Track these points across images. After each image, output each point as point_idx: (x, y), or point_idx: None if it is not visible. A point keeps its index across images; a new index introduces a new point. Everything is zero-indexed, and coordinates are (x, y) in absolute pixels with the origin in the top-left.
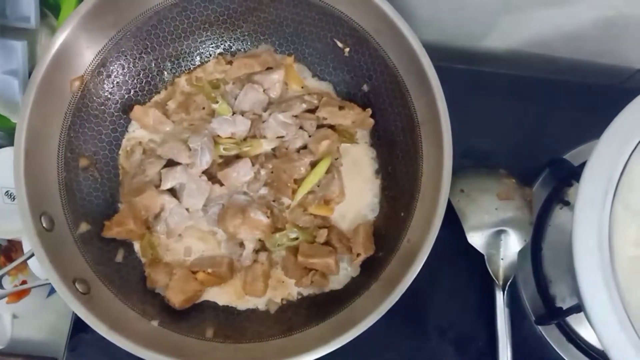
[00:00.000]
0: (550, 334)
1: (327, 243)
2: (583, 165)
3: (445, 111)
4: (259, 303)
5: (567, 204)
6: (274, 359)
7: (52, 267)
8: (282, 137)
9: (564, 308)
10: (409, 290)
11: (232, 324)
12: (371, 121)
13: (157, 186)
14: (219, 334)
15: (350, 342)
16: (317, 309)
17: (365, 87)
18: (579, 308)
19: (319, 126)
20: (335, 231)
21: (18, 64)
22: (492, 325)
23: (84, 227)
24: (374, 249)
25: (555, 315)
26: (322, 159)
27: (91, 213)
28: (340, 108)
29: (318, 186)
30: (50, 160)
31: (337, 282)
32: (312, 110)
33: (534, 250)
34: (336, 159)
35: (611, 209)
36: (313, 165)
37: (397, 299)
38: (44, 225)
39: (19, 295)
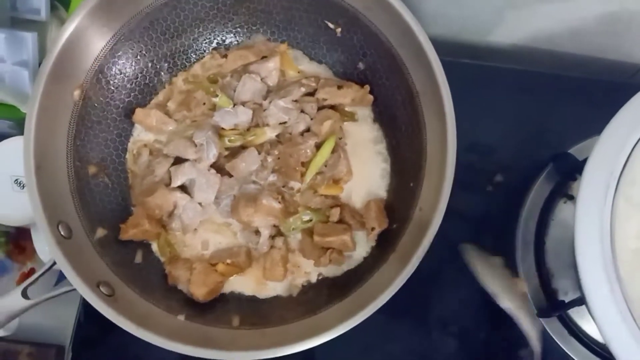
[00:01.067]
0: (552, 327)
1: (340, 221)
2: (587, 159)
3: (444, 79)
4: (280, 289)
5: (570, 198)
6: (298, 339)
7: (75, 273)
8: (285, 122)
9: (566, 301)
10: (411, 283)
11: (257, 311)
12: (370, 97)
13: (168, 184)
14: (245, 321)
15: (353, 333)
16: (338, 287)
17: (360, 65)
18: (580, 301)
19: (320, 108)
20: (348, 209)
21: (28, 55)
22: (494, 318)
23: (100, 232)
24: (388, 222)
25: (557, 308)
26: (327, 139)
27: (106, 218)
28: (339, 87)
29: (325, 167)
30: (60, 171)
31: (354, 259)
32: (311, 94)
33: (537, 244)
34: (340, 139)
35: (613, 202)
36: (318, 146)
37: (414, 268)
38: (62, 233)
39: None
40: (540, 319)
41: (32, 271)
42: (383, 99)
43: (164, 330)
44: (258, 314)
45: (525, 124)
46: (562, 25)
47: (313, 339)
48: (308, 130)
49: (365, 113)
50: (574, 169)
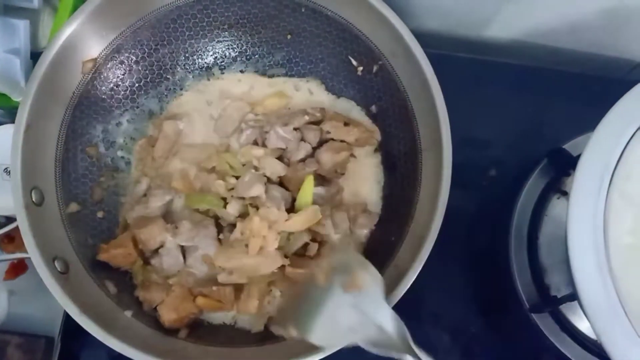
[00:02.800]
0: (544, 323)
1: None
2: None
3: (449, 141)
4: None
5: (564, 194)
6: None
7: (35, 241)
8: (283, 149)
9: (559, 297)
10: None
11: (207, 326)
12: (374, 141)
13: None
14: (192, 335)
15: None
16: None
17: (373, 108)
18: (572, 297)
19: (324, 140)
20: (328, 246)
21: (20, 43)
22: (486, 312)
23: (73, 207)
24: None
25: (549, 303)
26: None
27: (83, 195)
28: (345, 124)
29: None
30: (51, 136)
31: None
32: (316, 123)
33: (530, 239)
34: (342, 174)
35: (607, 197)
36: (320, 176)
37: None
38: (34, 199)
39: (16, 272)
40: (533, 315)
41: (21, 261)
42: (386, 147)
43: (108, 323)
44: (207, 329)
45: (521, 119)
46: (560, 21)
47: None
48: (311, 156)
49: (374, 157)
50: (568, 164)
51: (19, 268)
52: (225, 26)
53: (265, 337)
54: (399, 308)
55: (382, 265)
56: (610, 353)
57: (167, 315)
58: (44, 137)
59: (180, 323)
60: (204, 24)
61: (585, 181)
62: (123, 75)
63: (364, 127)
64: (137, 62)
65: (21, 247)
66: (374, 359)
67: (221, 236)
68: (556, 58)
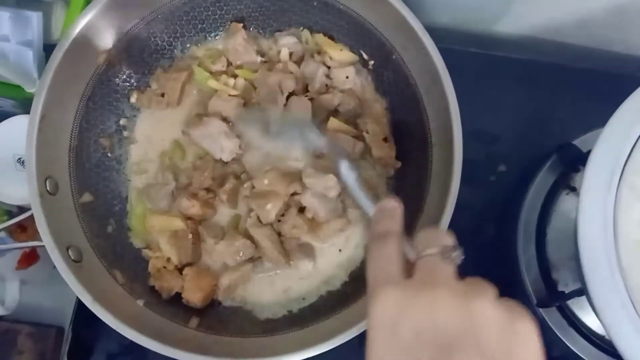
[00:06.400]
0: (551, 318)
1: None
2: (592, 149)
3: (460, 136)
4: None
5: (573, 189)
6: (253, 356)
7: (49, 230)
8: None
9: (566, 292)
10: None
11: (217, 316)
12: (392, 170)
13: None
14: (203, 324)
15: None
16: (302, 314)
17: (384, 103)
18: (580, 292)
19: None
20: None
21: (33, 35)
22: None
23: (87, 197)
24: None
25: (557, 298)
26: None
27: (96, 184)
28: (384, 140)
29: None
30: (65, 127)
31: (326, 291)
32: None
33: (538, 234)
34: None
35: (617, 191)
36: None
37: None
38: (48, 188)
39: (28, 262)
40: (540, 310)
41: (33, 251)
42: (397, 140)
43: (120, 311)
44: (217, 319)
45: (530, 114)
46: (569, 16)
47: (267, 358)
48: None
49: None
50: (578, 160)
51: (30, 258)
52: (237, 19)
53: (275, 327)
54: None
55: None
56: (618, 347)
57: (195, 297)
58: (59, 128)
59: (209, 298)
60: (217, 16)
61: (595, 175)
62: (135, 67)
63: (394, 152)
64: (150, 55)
65: (33, 237)
66: None
67: None
68: (565, 54)
